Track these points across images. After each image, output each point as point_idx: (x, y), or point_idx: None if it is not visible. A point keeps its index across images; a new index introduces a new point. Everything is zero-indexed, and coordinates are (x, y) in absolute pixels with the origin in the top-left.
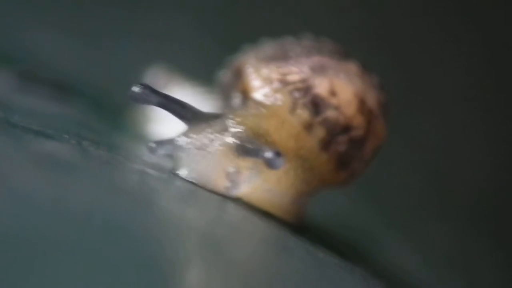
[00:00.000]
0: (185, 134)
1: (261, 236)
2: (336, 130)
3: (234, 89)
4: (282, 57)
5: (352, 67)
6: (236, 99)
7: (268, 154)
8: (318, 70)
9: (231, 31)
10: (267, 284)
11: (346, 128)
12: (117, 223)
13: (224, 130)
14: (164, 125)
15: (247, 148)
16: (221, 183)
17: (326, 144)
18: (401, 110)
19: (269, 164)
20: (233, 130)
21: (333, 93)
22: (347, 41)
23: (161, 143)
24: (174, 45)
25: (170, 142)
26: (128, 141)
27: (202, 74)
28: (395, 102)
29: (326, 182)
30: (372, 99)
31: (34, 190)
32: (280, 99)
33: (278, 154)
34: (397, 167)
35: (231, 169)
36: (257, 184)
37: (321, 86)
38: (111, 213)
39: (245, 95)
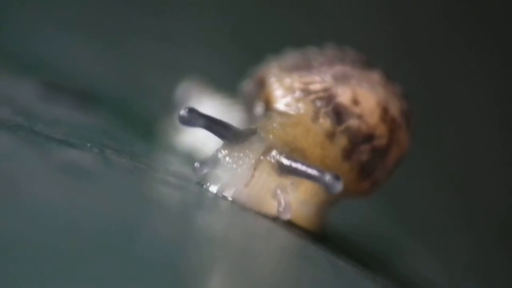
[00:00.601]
0: (228, 154)
1: (283, 244)
2: (359, 139)
3: (257, 99)
4: (304, 67)
5: (375, 76)
6: (259, 108)
7: (328, 178)
8: (341, 79)
9: (256, 40)
10: None
11: (368, 137)
12: (139, 233)
13: (264, 149)
14: (188, 134)
15: (295, 168)
16: (270, 206)
17: (348, 153)
18: (425, 118)
19: (329, 187)
20: (271, 148)
21: (355, 102)
22: (369, 50)
23: (205, 162)
24: (198, 55)
25: (213, 162)
26: (151, 150)
27: (227, 83)
28: (419, 111)
29: (348, 191)
30: (395, 108)
31: (57, 198)
32: (302, 108)
33: (337, 177)
34: (420, 176)
35: (278, 190)
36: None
37: (343, 95)
38: (133, 223)
39: (268, 104)
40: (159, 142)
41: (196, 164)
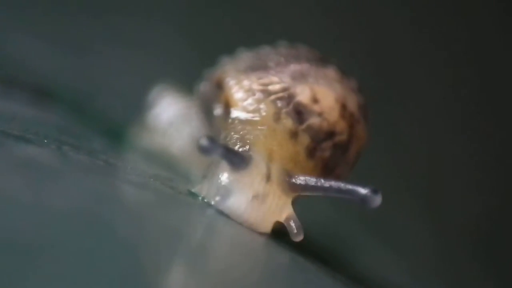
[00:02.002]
0: (235, 178)
1: (244, 240)
2: (320, 137)
3: (215, 101)
4: (261, 67)
5: (331, 72)
6: (218, 110)
7: (366, 192)
8: (298, 78)
9: (211, 41)
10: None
11: (329, 134)
12: (99, 227)
13: (266, 170)
14: (147, 133)
15: (322, 187)
16: (269, 225)
17: (312, 151)
18: (383, 112)
19: (366, 202)
20: (274, 167)
21: (315, 100)
22: (322, 45)
23: (222, 194)
24: (153, 53)
25: (226, 191)
26: (109, 147)
27: (181, 83)
28: (376, 103)
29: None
30: (352, 103)
31: (15, 193)
32: (264, 109)
33: (375, 191)
34: (384, 176)
35: (286, 211)
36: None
37: (302, 94)
38: (92, 217)
39: (228, 107)
40: (118, 139)
41: (218, 199)
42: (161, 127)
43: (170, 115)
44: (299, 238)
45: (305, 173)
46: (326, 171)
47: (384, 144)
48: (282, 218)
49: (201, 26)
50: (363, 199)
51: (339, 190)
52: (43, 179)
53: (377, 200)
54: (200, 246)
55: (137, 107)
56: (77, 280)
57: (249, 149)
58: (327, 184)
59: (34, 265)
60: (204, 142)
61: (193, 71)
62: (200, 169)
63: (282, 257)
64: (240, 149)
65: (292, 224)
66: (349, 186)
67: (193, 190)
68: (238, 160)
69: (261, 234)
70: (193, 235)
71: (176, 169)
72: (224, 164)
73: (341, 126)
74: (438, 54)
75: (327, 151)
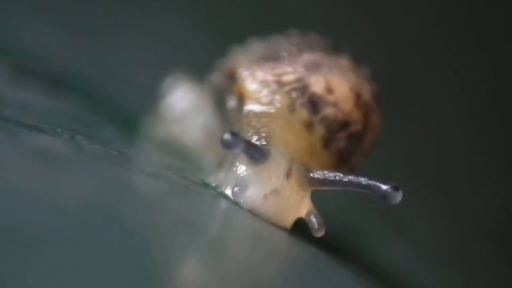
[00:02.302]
0: (254, 172)
1: (255, 231)
2: (336, 127)
3: (228, 92)
4: (274, 58)
5: (344, 61)
6: (232, 102)
7: (386, 188)
8: (312, 68)
9: (222, 28)
10: (261, 277)
11: (345, 124)
12: (112, 217)
13: (287, 164)
14: (159, 119)
15: (341, 181)
16: (289, 220)
17: (327, 142)
18: (398, 102)
19: (387, 198)
20: (294, 162)
21: (329, 90)
22: (334, 33)
23: (241, 186)
24: (167, 41)
25: (245, 183)
26: (122, 136)
27: (196, 72)
28: (391, 92)
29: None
30: (366, 92)
31: (27, 184)
32: (278, 100)
33: (396, 188)
34: (397, 164)
35: (307, 206)
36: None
37: (317, 85)
38: (105, 207)
39: (242, 99)
40: (131, 129)
41: (236, 190)
42: (175, 117)
43: (184, 105)
44: (320, 233)
45: (321, 164)
46: (341, 161)
47: (399, 134)
48: (302, 214)
49: (215, 14)
50: (383, 195)
51: (359, 185)
52: (56, 169)
53: (398, 196)
54: (215, 237)
55: (150, 96)
56: (89, 271)
57: (267, 142)
58: (346, 179)
59: (46, 257)
60: (227, 137)
61: (207, 61)
62: (214, 159)
63: (291, 246)
64: (258, 143)
65: (313, 219)
66: (370, 182)
67: (207, 180)
68: (258, 155)
69: (281, 228)
70: (207, 226)
71: (189, 159)
72: (242, 157)
73: (356, 115)
74: (452, 43)
75: (342, 141)
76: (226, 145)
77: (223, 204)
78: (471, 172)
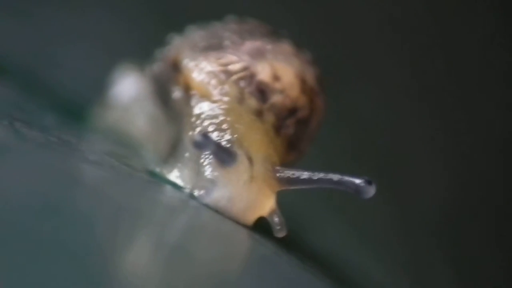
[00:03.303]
0: (222, 174)
1: (203, 220)
2: (284, 114)
3: (172, 83)
4: (218, 47)
5: (286, 46)
6: (177, 93)
7: (359, 182)
8: (257, 55)
9: (167, 17)
10: (202, 260)
11: (292, 111)
12: (54, 205)
13: (251, 162)
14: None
15: (311, 180)
16: (254, 217)
17: (277, 129)
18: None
19: (362, 192)
20: (258, 159)
21: (276, 77)
22: (271, 18)
23: (207, 188)
24: (102, 27)
25: (213, 184)
26: (62, 123)
27: (141, 61)
28: (333, 76)
29: (278, 165)
30: (310, 76)
31: None
32: (227, 91)
33: (369, 181)
34: (338, 153)
35: (272, 205)
36: None
37: (263, 72)
38: (47, 195)
39: (188, 89)
40: (71, 116)
41: (201, 192)
42: (121, 107)
43: (130, 95)
44: (282, 234)
45: (277, 152)
46: (291, 147)
47: (344, 123)
48: (265, 213)
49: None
50: (357, 190)
51: (330, 182)
52: None
53: (372, 190)
54: (160, 226)
55: (94, 85)
56: (30, 259)
57: (225, 140)
58: (316, 176)
59: None
60: (199, 138)
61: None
62: (160, 150)
63: (239, 235)
64: (227, 145)
65: (276, 219)
66: (342, 178)
67: (156, 171)
68: (227, 158)
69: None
70: (152, 214)
71: (133, 148)
72: (209, 158)
73: (302, 101)
74: (399, 24)
75: (291, 127)
76: (197, 146)
77: (169, 192)
78: (417, 163)
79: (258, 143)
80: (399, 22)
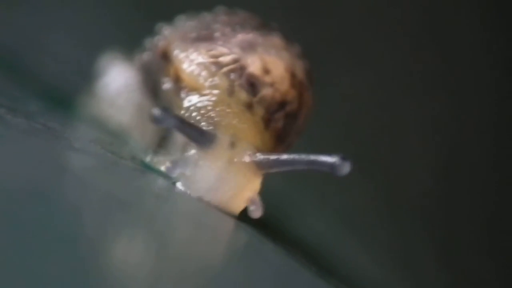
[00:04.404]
0: (197, 153)
1: (191, 209)
2: (274, 108)
3: (161, 74)
4: (209, 38)
5: (276, 40)
6: (167, 85)
7: (335, 160)
8: (247, 48)
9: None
10: (191, 250)
11: (282, 104)
12: (40, 193)
13: (231, 149)
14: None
15: (287, 161)
16: (237, 205)
17: (267, 122)
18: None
19: (337, 169)
20: (239, 145)
21: (266, 70)
22: (262, 8)
23: (176, 163)
24: (90, 14)
25: (184, 163)
26: (47, 110)
27: (130, 50)
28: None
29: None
30: (300, 70)
31: None
32: (217, 83)
33: (344, 158)
34: (325, 141)
35: (249, 190)
36: None
37: (253, 65)
38: (32, 182)
39: (178, 81)
40: (55, 102)
41: (168, 164)
42: (109, 97)
43: (118, 84)
44: (257, 215)
45: (265, 144)
46: (279, 141)
47: (331, 109)
48: (248, 197)
49: None
50: (332, 167)
51: (306, 162)
52: None
53: (346, 167)
54: (147, 214)
55: (79, 72)
56: (18, 249)
57: (210, 126)
58: (291, 157)
59: None
60: (156, 112)
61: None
62: (148, 140)
63: (227, 223)
64: (204, 127)
65: (254, 201)
66: (316, 157)
67: (144, 159)
68: (200, 138)
69: (209, 206)
70: (139, 202)
71: (118, 135)
72: (190, 142)
73: (292, 95)
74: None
75: (280, 121)
76: (154, 120)
77: (155, 181)
78: (404, 149)
79: (245, 132)
80: (393, 11)
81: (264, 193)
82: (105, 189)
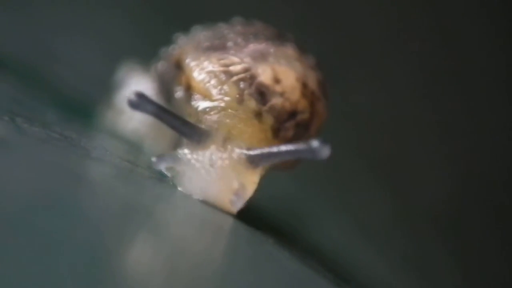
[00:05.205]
0: (187, 148)
1: (204, 216)
2: (284, 117)
3: (175, 82)
4: (221, 47)
5: (290, 50)
6: (179, 92)
7: (316, 145)
8: (259, 58)
9: (173, 17)
10: (208, 260)
11: (292, 114)
12: (59, 202)
13: (223, 146)
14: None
15: (272, 153)
16: (226, 199)
17: (276, 132)
18: (343, 86)
19: (316, 154)
20: (229, 143)
21: (276, 80)
22: (277, 18)
23: (163, 158)
24: (107, 24)
25: (172, 158)
26: (63, 119)
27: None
28: (336, 78)
29: (275, 167)
30: (312, 81)
31: None
32: (227, 91)
33: (323, 142)
34: (343, 151)
35: (237, 185)
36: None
37: (264, 75)
38: (50, 192)
39: (189, 89)
40: (73, 112)
41: (154, 159)
42: (126, 107)
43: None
44: (236, 207)
45: None
46: None
47: (344, 115)
48: (246, 194)
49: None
50: (312, 151)
51: (292, 152)
52: None
53: (326, 150)
54: (163, 222)
55: (95, 80)
56: (38, 257)
57: (213, 125)
58: (278, 150)
59: None
60: (132, 96)
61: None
62: (163, 149)
63: (244, 232)
64: (196, 124)
65: (238, 193)
66: (298, 145)
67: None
68: (179, 125)
69: (228, 213)
70: (156, 210)
71: (134, 144)
72: (184, 140)
73: (303, 105)
74: (406, 26)
75: (290, 130)
76: (130, 105)
77: (171, 189)
78: (419, 157)
79: (248, 135)
80: (403, 20)
81: (280, 199)
82: (121, 198)
